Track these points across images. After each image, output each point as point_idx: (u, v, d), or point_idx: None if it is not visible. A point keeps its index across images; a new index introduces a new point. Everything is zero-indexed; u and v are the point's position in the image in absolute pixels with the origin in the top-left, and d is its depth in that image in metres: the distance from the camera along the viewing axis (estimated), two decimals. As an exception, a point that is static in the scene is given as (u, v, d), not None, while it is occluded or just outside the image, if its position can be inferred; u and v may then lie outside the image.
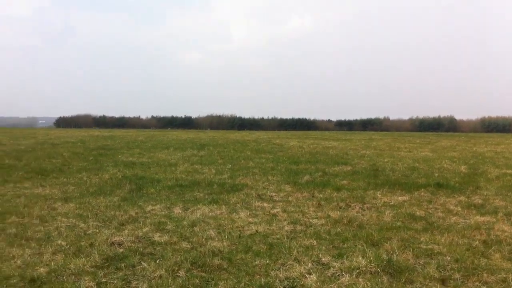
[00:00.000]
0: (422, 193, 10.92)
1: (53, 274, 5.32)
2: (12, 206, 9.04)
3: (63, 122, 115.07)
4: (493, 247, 6.47)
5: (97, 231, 7.23)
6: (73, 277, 5.24)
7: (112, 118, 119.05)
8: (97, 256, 5.88)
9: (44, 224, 7.69)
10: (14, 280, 5.10)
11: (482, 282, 5.18)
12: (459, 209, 9.20)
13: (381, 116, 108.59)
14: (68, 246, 6.36)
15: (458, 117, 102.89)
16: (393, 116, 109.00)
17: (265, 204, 9.50)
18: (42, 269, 5.45)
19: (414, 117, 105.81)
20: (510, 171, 15.47)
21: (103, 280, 5.14)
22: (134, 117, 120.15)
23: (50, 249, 6.22)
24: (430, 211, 9.00)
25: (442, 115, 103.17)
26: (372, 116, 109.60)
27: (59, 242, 6.54)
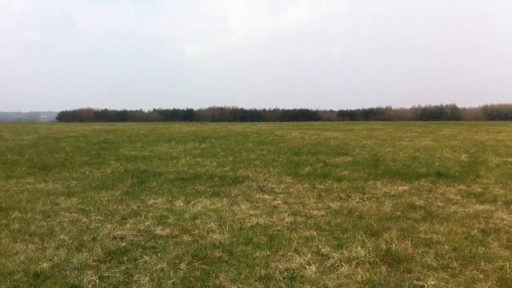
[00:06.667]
0: (422, 183, 10.96)
1: (56, 268, 5.38)
2: (15, 202, 9.10)
3: (65, 117, 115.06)
4: (491, 236, 6.53)
5: (100, 225, 7.30)
6: (76, 271, 5.30)
7: (114, 111, 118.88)
8: (100, 250, 5.94)
9: (47, 219, 7.75)
10: (18, 275, 5.14)
11: (479, 270, 5.23)
12: (459, 198, 9.25)
13: (383, 106, 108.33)
14: (71, 241, 6.42)
15: (460, 105, 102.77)
16: (395, 106, 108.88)
17: (266, 196, 9.56)
18: (45, 264, 5.50)
19: (417, 106, 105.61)
20: (510, 159, 15.49)
21: (106, 274, 5.20)
22: (136, 110, 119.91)
23: (53, 244, 6.28)
24: (430, 201, 9.04)
25: (444, 104, 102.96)
26: (374, 106, 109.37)
27: (62, 237, 6.61)
